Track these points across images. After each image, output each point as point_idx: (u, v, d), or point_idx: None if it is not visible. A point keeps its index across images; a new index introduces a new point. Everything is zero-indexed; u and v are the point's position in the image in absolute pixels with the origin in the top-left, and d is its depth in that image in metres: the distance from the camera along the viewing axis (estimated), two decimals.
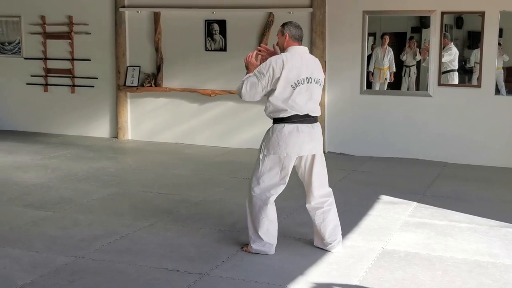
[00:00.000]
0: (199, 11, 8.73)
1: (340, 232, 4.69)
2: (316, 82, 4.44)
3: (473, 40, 7.92)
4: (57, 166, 7.49)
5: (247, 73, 4.52)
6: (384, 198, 6.17)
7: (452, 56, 7.91)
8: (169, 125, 9.16)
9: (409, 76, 8.22)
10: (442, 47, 7.83)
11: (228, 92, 8.63)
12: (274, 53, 4.54)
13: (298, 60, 4.35)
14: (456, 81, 7.97)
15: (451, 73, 7.99)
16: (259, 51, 4.67)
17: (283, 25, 4.51)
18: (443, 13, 7.71)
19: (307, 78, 4.36)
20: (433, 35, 7.80)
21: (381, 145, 8.18)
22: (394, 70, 8.23)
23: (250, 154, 8.27)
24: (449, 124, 7.88)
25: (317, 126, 4.49)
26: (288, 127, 4.36)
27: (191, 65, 8.89)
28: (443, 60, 7.90)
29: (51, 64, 9.67)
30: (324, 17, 8.18)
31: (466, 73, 7.97)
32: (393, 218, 5.47)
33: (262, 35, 8.42)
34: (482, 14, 7.54)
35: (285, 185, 4.51)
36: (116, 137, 9.38)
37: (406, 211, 5.71)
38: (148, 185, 6.61)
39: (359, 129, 8.27)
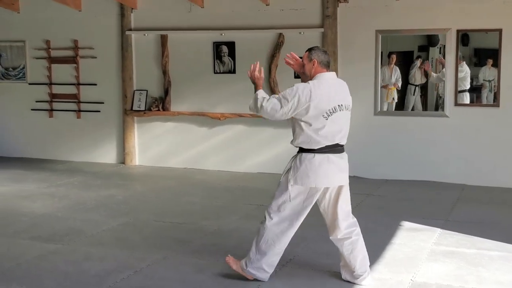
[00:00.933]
0: (207, 33, 8.56)
1: (369, 263, 4.45)
2: (347, 108, 4.25)
3: (480, 58, 7.74)
4: (64, 194, 7.27)
5: (255, 88, 4.30)
6: (406, 224, 5.93)
7: (463, 74, 7.72)
8: (178, 150, 8.95)
9: (417, 95, 8.02)
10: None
11: (238, 115, 8.43)
12: (302, 65, 4.30)
13: (326, 87, 4.14)
14: (467, 102, 7.76)
15: (462, 94, 7.79)
16: (287, 58, 4.39)
17: (310, 50, 4.29)
18: (458, 31, 7.53)
19: (339, 105, 4.16)
20: (448, 53, 7.61)
21: (396, 168, 7.95)
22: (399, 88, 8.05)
23: (262, 179, 8.09)
24: (467, 145, 7.66)
25: (345, 156, 4.31)
26: (318, 157, 4.14)
27: (200, 88, 8.71)
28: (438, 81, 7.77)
29: (57, 89, 9.49)
30: (336, 37, 8.00)
31: (474, 91, 7.77)
32: (419, 247, 5.22)
33: (272, 57, 8.24)
34: (499, 32, 7.35)
35: (302, 219, 4.31)
36: (123, 162, 9.17)
37: (431, 238, 5.47)
38: (159, 214, 6.38)
39: (373, 151, 8.05)
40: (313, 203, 4.27)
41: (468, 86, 7.75)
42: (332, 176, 4.19)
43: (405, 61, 8.10)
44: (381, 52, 7.94)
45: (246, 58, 8.41)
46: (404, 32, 7.83)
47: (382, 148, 8.01)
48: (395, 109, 8.03)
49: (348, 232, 4.33)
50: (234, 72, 8.49)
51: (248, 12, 8.35)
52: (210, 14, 8.51)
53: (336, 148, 4.19)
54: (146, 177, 8.35)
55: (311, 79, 4.21)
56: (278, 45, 8.23)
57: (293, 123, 4.23)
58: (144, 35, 8.87)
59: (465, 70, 7.72)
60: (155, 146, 9.09)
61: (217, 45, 8.57)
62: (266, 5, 8.21)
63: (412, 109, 8.01)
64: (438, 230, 5.72)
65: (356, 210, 6.45)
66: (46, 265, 4.83)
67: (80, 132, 9.43)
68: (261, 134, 8.43)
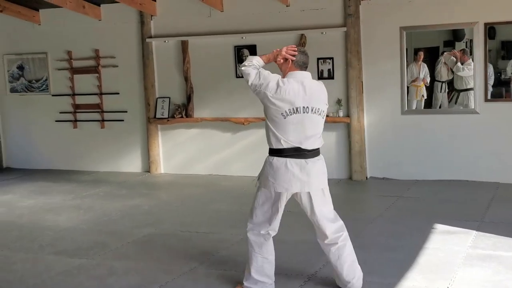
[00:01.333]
0: (227, 37, 8.44)
1: (359, 268, 4.28)
2: (315, 112, 4.04)
3: (508, 51, 7.51)
4: (89, 206, 7.20)
5: (267, 55, 4.16)
6: (439, 227, 5.72)
7: (471, 72, 7.47)
8: (202, 156, 8.85)
9: (444, 91, 7.81)
10: (461, 63, 7.52)
11: (262, 119, 8.22)
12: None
13: (295, 86, 3.99)
14: (472, 101, 7.50)
15: (470, 91, 7.56)
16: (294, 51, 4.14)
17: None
18: (486, 25, 7.28)
19: (304, 107, 3.99)
20: (476, 47, 7.36)
21: (426, 168, 7.73)
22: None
23: None
24: (499, 142, 7.41)
25: (312, 161, 4.05)
26: (277, 161, 4.04)
27: (222, 93, 8.59)
28: (462, 74, 7.55)
29: (80, 100, 9.46)
30: (359, 35, 7.81)
31: (502, 85, 7.52)
32: (454, 251, 5.01)
33: None
34: None
35: (278, 222, 4.18)
36: (149, 171, 9.09)
37: (466, 241, 5.25)
38: (185, 223, 6.26)
39: (402, 151, 7.83)
40: (281, 208, 4.15)
41: (472, 85, 7.52)
42: (290, 181, 4.01)
43: (430, 58, 7.87)
44: (406, 50, 7.73)
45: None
46: (429, 27, 7.61)
47: (411, 147, 7.79)
48: (424, 107, 7.80)
49: (334, 238, 4.17)
50: None
51: (268, 14, 8.20)
52: (230, 17, 8.39)
53: (298, 153, 4.01)
54: (171, 185, 8.26)
55: (283, 77, 4.09)
56: (300, 46, 8.04)
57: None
58: (165, 41, 8.79)
59: (472, 69, 7.49)
60: (179, 153, 8.99)
61: (238, 49, 8.44)
62: (286, 6, 8.05)
63: (440, 107, 7.79)
64: (474, 232, 5.49)
65: (387, 213, 6.30)
66: (70, 281, 4.75)
67: (105, 142, 9.39)
68: None
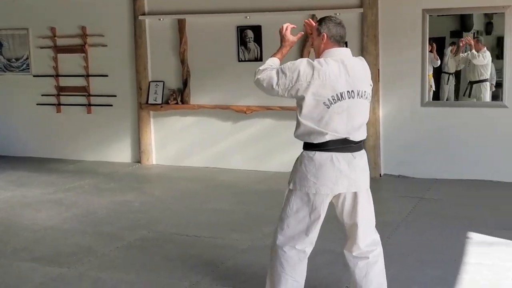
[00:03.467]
0: (230, 16, 7.63)
1: None
2: (361, 96, 3.32)
3: None
4: (73, 201, 6.41)
5: (276, 51, 3.54)
6: (474, 236, 5.00)
7: (485, 61, 6.90)
8: (199, 147, 8.06)
9: (451, 84, 7.24)
10: (477, 51, 6.94)
11: (266, 108, 7.52)
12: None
13: (335, 68, 3.25)
14: (488, 94, 6.93)
15: (483, 83, 6.98)
16: (306, 24, 3.53)
17: (320, 21, 3.41)
18: None
19: (348, 92, 3.26)
20: (507, 35, 6.63)
21: (447, 166, 7.01)
22: None
23: None
24: None
25: (359, 155, 3.37)
26: (320, 156, 3.29)
27: (223, 78, 7.79)
28: (478, 63, 6.99)
29: (64, 82, 8.61)
30: (377, 18, 7.05)
31: None
32: (500, 268, 4.30)
33: (304, 41, 7.29)
34: None
35: (317, 233, 3.42)
36: (139, 161, 8.29)
37: (510, 255, 4.55)
38: (182, 225, 5.50)
39: (420, 147, 7.10)
40: (322, 216, 3.39)
41: (489, 75, 6.95)
42: (337, 179, 3.29)
43: (436, 48, 7.15)
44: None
45: (274, 44, 7.37)
46: (455, 10, 6.88)
47: (430, 143, 7.06)
48: (433, 99, 7.10)
49: (366, 251, 3.47)
50: (261, 59, 7.54)
51: None
52: None
53: (345, 146, 3.30)
54: (164, 179, 7.47)
55: (318, 57, 3.35)
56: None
57: (296, 109, 3.37)
58: (160, 20, 7.96)
59: (488, 57, 6.92)
60: (173, 143, 8.20)
61: (241, 30, 7.64)
62: None
63: (447, 99, 7.18)
64: None
65: (410, 218, 5.57)
66: None
67: (91, 129, 8.57)
68: (292, 129, 7.36)
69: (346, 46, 3.49)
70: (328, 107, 3.24)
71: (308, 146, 3.35)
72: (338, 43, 3.38)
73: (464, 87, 7.24)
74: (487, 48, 6.97)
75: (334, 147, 3.29)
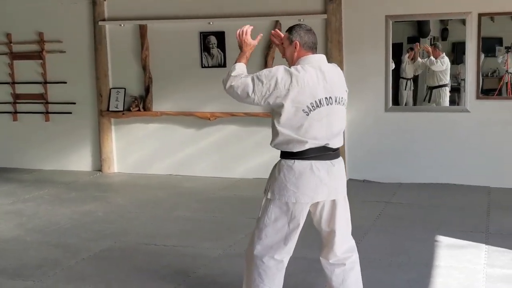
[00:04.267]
0: (192, 22, 7.55)
1: None
2: (339, 102, 3.29)
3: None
4: (33, 212, 6.20)
5: (239, 56, 3.41)
6: (443, 239, 5.04)
7: (444, 66, 7.05)
8: (162, 155, 7.93)
9: (409, 89, 7.33)
10: (435, 57, 7.08)
11: (230, 114, 7.46)
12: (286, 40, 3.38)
13: (313, 75, 3.21)
14: (447, 98, 7.05)
15: (442, 88, 7.09)
16: (272, 36, 3.49)
17: (290, 30, 3.36)
18: (480, 15, 6.68)
19: (326, 98, 3.22)
20: (469, 40, 6.75)
21: (412, 170, 7.08)
22: None
23: (260, 186, 7.06)
24: (491, 143, 6.83)
25: (337, 162, 3.34)
26: (299, 164, 3.24)
27: (186, 84, 7.69)
28: (436, 69, 7.11)
29: (20, 89, 8.36)
30: (341, 24, 7.08)
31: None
32: (471, 270, 4.33)
33: (268, 48, 7.27)
34: None
35: (295, 242, 3.38)
36: (100, 170, 8.11)
37: (479, 258, 4.59)
38: (149, 235, 5.37)
39: (384, 152, 7.16)
40: (301, 225, 3.34)
41: (448, 81, 7.06)
42: (317, 188, 3.25)
43: (393, 54, 7.23)
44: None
45: (237, 50, 7.28)
46: (418, 17, 6.97)
47: (394, 148, 7.13)
48: (392, 104, 7.17)
49: (343, 258, 3.44)
50: (224, 65, 7.48)
51: None
52: (196, 0, 7.51)
53: (324, 154, 3.27)
54: (128, 187, 7.31)
55: (293, 65, 3.29)
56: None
57: (272, 117, 3.30)
58: (120, 25, 7.82)
59: (446, 63, 7.05)
60: (136, 150, 8.05)
61: (204, 36, 7.57)
62: None
63: (405, 104, 7.26)
64: (484, 246, 4.84)
65: (379, 222, 5.58)
66: None
67: (50, 137, 8.33)
68: (257, 135, 7.46)
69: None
70: (308, 114, 3.19)
71: (286, 155, 3.29)
72: (311, 50, 3.33)
73: (423, 92, 7.34)
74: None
75: (313, 155, 3.24)
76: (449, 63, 7.07)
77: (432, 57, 7.13)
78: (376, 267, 4.41)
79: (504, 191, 6.64)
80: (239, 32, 3.44)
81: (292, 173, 3.24)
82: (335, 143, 3.30)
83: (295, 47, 3.31)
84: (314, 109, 3.19)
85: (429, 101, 7.25)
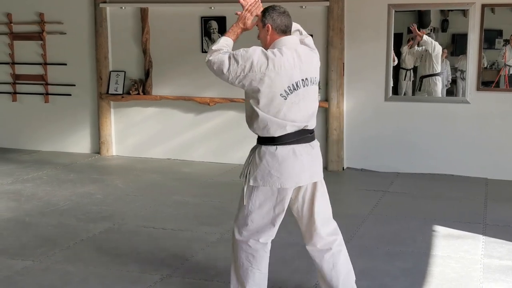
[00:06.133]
0: (194, 6, 7.52)
1: (354, 279, 3.58)
2: (313, 82, 3.33)
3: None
4: (32, 192, 6.20)
5: (230, 29, 3.37)
6: (440, 229, 5.07)
7: (435, 53, 7.03)
8: (160, 139, 7.93)
9: (408, 80, 7.30)
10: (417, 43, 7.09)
11: (230, 100, 7.45)
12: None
13: (290, 57, 3.20)
14: (439, 88, 7.04)
15: (433, 77, 7.08)
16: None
17: (263, 12, 3.31)
18: (483, 6, 6.66)
19: (302, 80, 3.24)
20: (471, 31, 6.74)
21: (409, 160, 7.09)
22: None
23: None
24: (490, 135, 6.84)
25: (316, 145, 3.40)
26: (281, 150, 3.24)
27: (186, 69, 7.67)
28: (431, 50, 7.08)
29: (20, 70, 8.33)
30: (343, 12, 7.06)
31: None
32: (468, 261, 4.36)
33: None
34: None
35: (278, 225, 3.41)
36: (99, 152, 8.10)
37: (477, 248, 4.62)
38: (148, 218, 5.39)
39: (383, 141, 7.17)
40: (285, 208, 3.37)
41: (439, 70, 7.05)
42: (300, 172, 3.28)
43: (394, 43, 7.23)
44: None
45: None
46: (421, 6, 6.95)
47: (393, 137, 7.13)
48: (392, 94, 7.18)
49: (329, 241, 3.46)
50: None
51: None
52: None
53: (303, 137, 3.30)
54: (126, 170, 7.31)
55: (268, 48, 3.25)
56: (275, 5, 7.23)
57: (246, 103, 3.31)
58: (121, 8, 7.78)
59: (437, 50, 7.02)
60: (134, 134, 8.04)
61: (205, 21, 7.54)
62: None
63: (404, 94, 7.24)
64: (481, 237, 4.88)
65: (377, 211, 5.61)
66: None
67: (49, 118, 8.32)
68: None
69: None
70: (285, 99, 3.19)
71: (267, 141, 3.27)
72: (284, 34, 3.29)
73: (418, 82, 7.34)
74: (442, 44, 7.05)
75: (294, 139, 3.26)
76: (440, 49, 7.02)
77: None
78: (373, 256, 4.44)
79: (502, 183, 6.66)
80: (249, 5, 3.34)
81: (275, 160, 3.24)
82: (312, 124, 3.35)
83: (268, 30, 3.27)
84: (292, 92, 3.20)
85: (419, 90, 7.23)
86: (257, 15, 3.36)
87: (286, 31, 3.29)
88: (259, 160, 3.28)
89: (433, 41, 7.02)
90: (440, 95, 7.08)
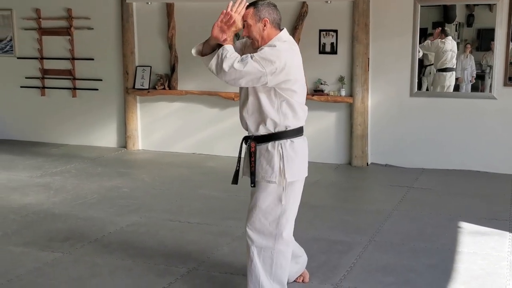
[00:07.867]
0: (219, 2, 7.54)
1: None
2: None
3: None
4: (61, 185, 6.31)
5: (224, 36, 3.24)
6: (466, 226, 5.05)
7: (450, 46, 7.05)
8: (186, 133, 8.00)
9: (427, 75, 7.28)
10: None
11: None
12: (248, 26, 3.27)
13: (296, 52, 3.28)
14: (452, 83, 7.02)
15: (445, 73, 7.05)
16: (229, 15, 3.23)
17: (255, 5, 3.21)
18: (511, 1, 6.60)
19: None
20: (499, 26, 6.68)
21: (435, 156, 7.06)
22: None
23: None
24: None
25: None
26: (298, 142, 3.32)
27: None
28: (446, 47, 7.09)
29: (49, 64, 8.46)
30: (368, 7, 7.04)
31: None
32: (495, 258, 4.34)
33: (294, 28, 7.27)
34: None
35: None
36: (125, 147, 8.21)
37: (503, 245, 4.60)
38: (174, 211, 5.45)
39: (408, 137, 7.14)
40: None
41: (454, 65, 7.01)
42: (307, 162, 3.48)
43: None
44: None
45: None
46: (446, 1, 6.91)
47: (418, 133, 7.10)
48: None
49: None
50: None
51: None
52: None
53: (302, 129, 3.44)
54: (152, 164, 7.40)
55: (263, 44, 3.19)
56: (300, 16, 7.24)
57: (255, 100, 3.21)
58: (148, 3, 7.86)
59: (452, 44, 7.04)
60: (160, 128, 8.13)
61: None
62: None
63: (427, 89, 7.18)
64: (507, 234, 4.84)
65: (401, 206, 5.60)
66: (43, 282, 3.92)
67: (76, 112, 8.45)
68: None
69: None
70: (304, 88, 3.35)
71: (286, 135, 3.26)
72: (279, 28, 3.27)
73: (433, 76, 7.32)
74: (466, 40, 7.09)
75: (302, 131, 3.37)
76: (455, 45, 7.02)
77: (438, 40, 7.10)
78: (398, 252, 4.45)
79: None
80: (234, 6, 3.19)
81: (296, 152, 3.31)
82: None
83: (265, 25, 3.21)
84: (304, 83, 3.35)
85: (432, 84, 7.20)
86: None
87: (280, 24, 3.29)
88: (294, 154, 3.27)
89: (452, 41, 7.03)
90: (446, 90, 7.06)
